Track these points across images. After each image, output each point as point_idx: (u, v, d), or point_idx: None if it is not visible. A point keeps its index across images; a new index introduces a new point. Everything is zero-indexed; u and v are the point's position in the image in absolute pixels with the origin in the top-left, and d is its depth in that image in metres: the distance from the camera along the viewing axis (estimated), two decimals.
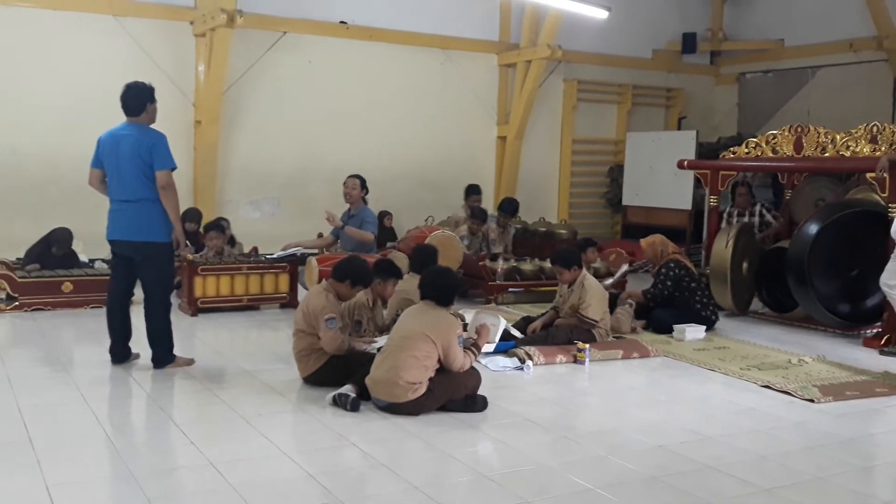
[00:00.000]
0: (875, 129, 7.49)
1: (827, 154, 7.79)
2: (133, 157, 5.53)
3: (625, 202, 13.05)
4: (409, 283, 6.03)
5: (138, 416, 5.05)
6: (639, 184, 12.69)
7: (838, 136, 7.70)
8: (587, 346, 6.33)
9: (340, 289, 5.44)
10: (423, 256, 6.54)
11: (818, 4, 12.63)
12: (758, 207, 9.29)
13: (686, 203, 11.79)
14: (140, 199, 5.58)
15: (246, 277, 8.01)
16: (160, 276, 5.78)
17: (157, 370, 5.77)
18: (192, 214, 9.14)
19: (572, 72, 13.11)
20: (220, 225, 8.57)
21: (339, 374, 5.17)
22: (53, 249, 8.21)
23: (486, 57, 12.45)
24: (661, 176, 11.98)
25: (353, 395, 4.91)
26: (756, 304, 8.70)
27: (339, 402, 4.91)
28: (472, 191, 10.21)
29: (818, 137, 7.89)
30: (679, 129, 13.65)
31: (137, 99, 5.64)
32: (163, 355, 5.80)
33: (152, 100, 5.70)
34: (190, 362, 5.91)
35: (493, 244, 9.51)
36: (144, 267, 5.72)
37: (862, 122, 7.69)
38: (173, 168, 5.62)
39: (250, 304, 8.09)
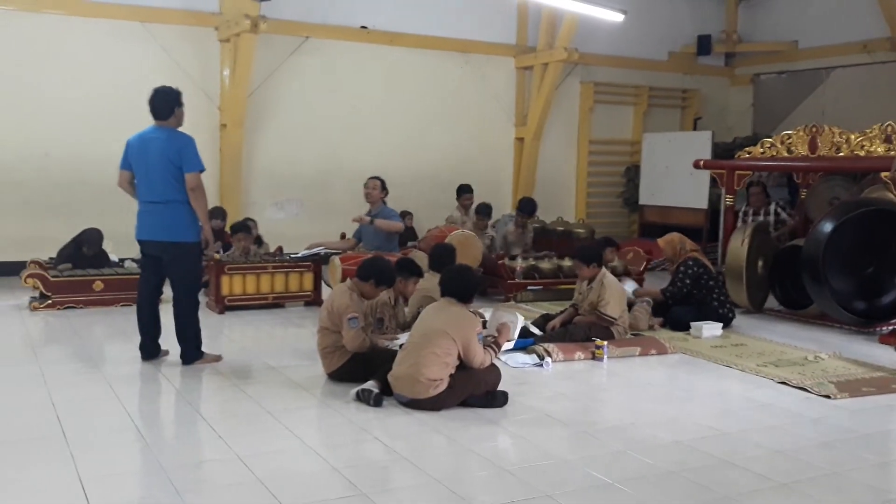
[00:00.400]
0: (889, 128, 7.53)
1: (841, 154, 7.84)
2: (162, 160, 5.66)
3: (641, 202, 13.11)
4: (430, 282, 6.15)
5: (167, 410, 5.19)
6: (655, 183, 12.75)
7: (853, 136, 7.75)
8: (605, 342, 6.43)
9: (365, 288, 5.56)
10: (441, 255, 6.65)
11: (832, 6, 12.65)
12: (772, 206, 9.33)
13: (702, 202, 11.85)
14: (168, 200, 5.71)
15: (271, 276, 8.16)
16: (188, 275, 5.92)
17: (185, 366, 5.91)
18: (218, 212, 9.33)
19: (589, 74, 13.19)
20: (247, 225, 8.74)
21: (363, 370, 5.28)
22: (84, 249, 8.39)
23: (504, 60, 12.56)
24: (677, 176, 12.05)
25: (376, 390, 5.02)
26: (772, 302, 8.76)
27: (363, 398, 5.02)
28: (464, 190, 10.33)
29: (833, 137, 7.94)
30: (695, 129, 13.71)
31: (165, 103, 5.77)
32: (191, 352, 5.94)
33: (180, 104, 5.84)
34: (217, 359, 6.04)
35: (512, 245, 9.60)
36: (173, 266, 5.86)
37: (876, 122, 7.73)
38: (202, 170, 5.76)
39: (276, 302, 8.25)
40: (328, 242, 8.66)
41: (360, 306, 5.49)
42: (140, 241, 5.92)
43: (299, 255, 8.38)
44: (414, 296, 6.21)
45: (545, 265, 9.01)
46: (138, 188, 5.84)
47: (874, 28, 11.74)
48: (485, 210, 9.71)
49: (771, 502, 3.82)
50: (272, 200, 11.07)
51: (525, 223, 9.82)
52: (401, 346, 5.29)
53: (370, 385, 5.06)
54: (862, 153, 7.68)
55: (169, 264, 5.87)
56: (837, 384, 5.76)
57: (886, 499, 3.92)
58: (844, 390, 5.63)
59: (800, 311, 8.43)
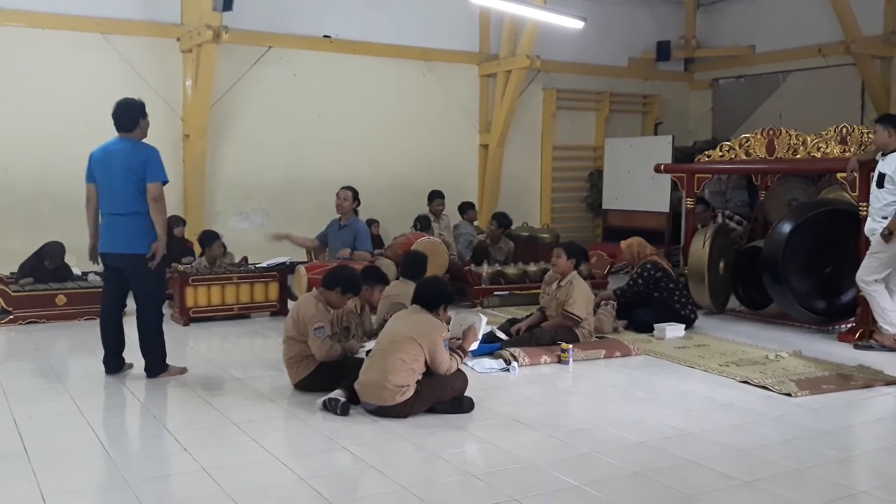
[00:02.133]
0: (844, 130, 7.69)
1: (798, 156, 7.99)
2: (125, 171, 5.62)
3: (605, 206, 13.25)
4: (399, 288, 6.17)
5: (132, 424, 5.13)
6: (618, 188, 12.90)
7: (809, 139, 7.91)
8: (570, 346, 6.49)
9: (331, 297, 5.56)
10: (412, 262, 6.69)
11: (787, 11, 12.90)
12: (719, 219, 9.45)
13: (664, 206, 12.00)
14: (130, 212, 5.66)
15: (236, 287, 8.12)
16: (152, 288, 5.87)
17: (150, 379, 5.86)
18: (178, 220, 9.29)
19: (551, 81, 13.31)
20: (217, 234, 8.66)
21: (329, 379, 5.28)
22: (46, 263, 8.29)
23: (467, 67, 12.64)
24: (639, 180, 12.20)
25: (343, 399, 5.02)
26: (734, 302, 8.90)
27: (329, 407, 5.02)
28: (435, 195, 10.37)
29: (790, 140, 8.09)
30: (655, 134, 13.88)
31: (129, 114, 5.73)
32: (155, 365, 5.89)
33: (144, 115, 5.80)
34: (182, 371, 6.00)
35: (493, 256, 9.66)
36: (136, 279, 5.81)
37: (832, 124, 7.89)
38: (165, 181, 5.72)
39: (241, 313, 8.20)
40: (292, 235, 8.61)
41: (327, 316, 5.48)
42: (102, 254, 5.86)
43: (265, 265, 8.35)
44: (383, 302, 6.23)
45: (511, 270, 9.08)
46: (101, 200, 5.79)
47: (828, 32, 11.98)
48: (503, 220, 9.82)
49: (735, 500, 3.88)
50: (237, 210, 11.02)
51: (498, 236, 9.87)
52: (368, 352, 5.30)
53: (337, 394, 5.06)
54: (818, 155, 7.83)
55: (132, 277, 5.81)
56: (798, 382, 5.86)
57: (848, 493, 4.00)
58: (805, 388, 5.73)
59: (761, 311, 8.58)
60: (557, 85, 13.37)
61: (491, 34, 12.64)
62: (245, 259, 8.74)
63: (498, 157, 12.68)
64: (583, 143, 13.87)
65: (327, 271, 5.75)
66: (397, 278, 7.63)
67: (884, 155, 6.91)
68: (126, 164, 5.62)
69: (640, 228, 10.97)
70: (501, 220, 9.92)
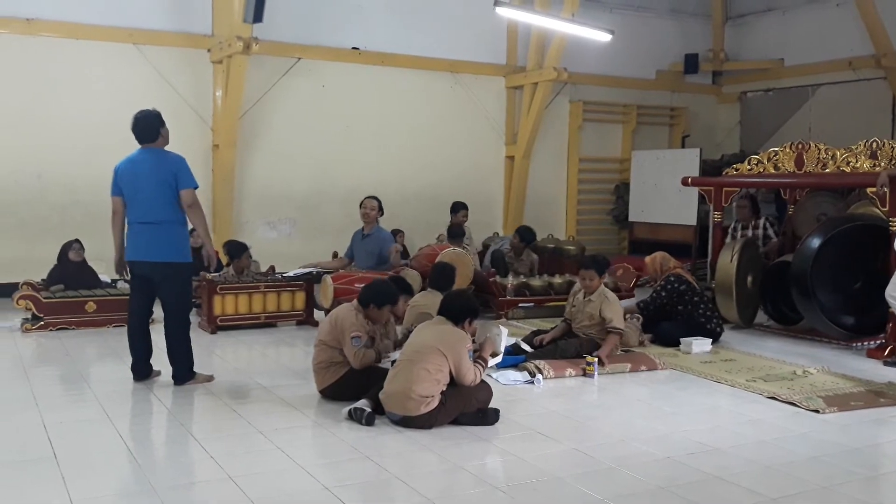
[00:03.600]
0: (875, 145, 7.62)
1: (828, 170, 7.93)
2: (154, 181, 5.70)
3: (631, 218, 13.20)
4: (426, 299, 6.21)
5: (159, 431, 5.19)
6: (644, 201, 12.85)
7: (839, 153, 7.84)
8: (595, 359, 6.46)
9: (369, 314, 5.59)
10: (441, 274, 6.71)
11: (817, 24, 12.82)
12: (762, 221, 9.39)
13: (691, 219, 11.94)
14: (160, 221, 5.73)
15: (263, 296, 8.18)
16: (180, 296, 5.94)
17: (177, 387, 5.92)
18: None
19: (578, 93, 13.31)
20: (247, 246, 8.74)
21: (355, 388, 5.31)
22: (71, 255, 8.40)
23: (494, 79, 12.67)
24: (665, 193, 12.15)
25: (368, 409, 5.04)
26: (761, 317, 8.82)
27: (355, 417, 5.04)
28: (459, 207, 10.38)
29: (819, 154, 8.03)
30: (683, 147, 13.82)
31: (149, 126, 5.81)
32: (182, 372, 5.95)
33: (162, 123, 5.87)
34: (209, 379, 6.05)
35: (516, 270, 9.64)
36: (164, 287, 5.87)
37: (862, 138, 7.82)
38: (196, 187, 5.80)
39: (268, 322, 8.26)
40: (321, 263, 8.70)
41: (365, 326, 5.52)
42: (130, 262, 5.93)
43: (291, 274, 8.41)
44: (409, 312, 6.26)
45: (536, 282, 9.07)
46: (129, 210, 5.86)
47: (859, 45, 11.89)
48: (527, 235, 9.81)
49: None
50: (265, 220, 11.11)
51: (521, 249, 9.85)
52: (393, 362, 5.32)
53: (362, 404, 5.08)
54: (848, 169, 7.77)
55: (160, 285, 5.88)
56: (826, 398, 5.80)
57: None
58: (833, 405, 5.67)
59: (789, 327, 8.49)
60: (584, 97, 13.37)
61: (518, 46, 12.67)
62: (272, 268, 8.81)
63: (524, 169, 12.69)
64: (609, 155, 13.84)
65: (360, 291, 5.77)
66: (423, 289, 7.67)
67: None
68: (156, 174, 5.70)
69: (667, 241, 10.93)
70: (525, 234, 9.90)
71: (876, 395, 5.96)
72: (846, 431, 5.17)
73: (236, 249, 8.57)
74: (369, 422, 5.00)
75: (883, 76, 11.70)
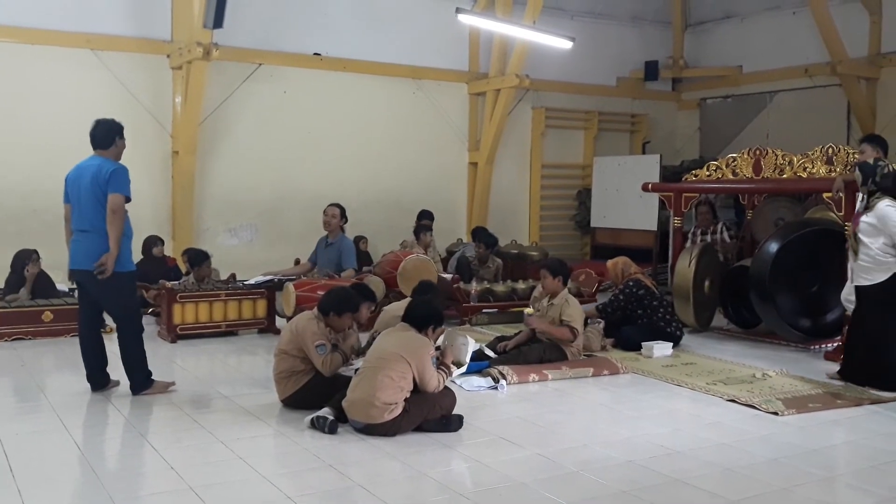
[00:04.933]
0: (830, 150, 7.76)
1: (785, 175, 8.06)
2: (92, 187, 5.60)
3: (593, 224, 13.30)
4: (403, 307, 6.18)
5: (118, 442, 5.10)
6: (606, 206, 12.96)
7: (795, 158, 7.97)
8: (532, 310, 6.63)
9: (330, 322, 5.55)
10: (424, 290, 6.61)
11: (774, 32, 13.04)
12: (720, 226, 9.55)
13: (652, 224, 12.06)
14: (96, 228, 5.61)
15: (224, 304, 8.09)
16: (124, 305, 5.81)
17: (136, 396, 5.82)
18: (157, 240, 9.31)
19: (540, 99, 13.39)
20: (207, 254, 8.64)
21: (317, 396, 5.28)
22: (26, 271, 8.23)
23: (456, 86, 12.70)
24: (627, 198, 12.26)
25: (331, 417, 5.01)
26: (721, 321, 8.94)
27: (318, 425, 5.01)
28: (424, 216, 10.37)
29: (776, 159, 8.16)
30: (643, 153, 13.96)
31: (106, 133, 5.74)
32: (139, 381, 5.84)
33: (121, 136, 5.80)
34: (169, 385, 5.95)
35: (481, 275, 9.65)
36: (102, 297, 5.75)
37: (818, 144, 7.96)
38: (127, 197, 5.65)
39: (229, 330, 8.17)
40: (283, 271, 8.64)
41: (326, 333, 5.49)
42: (71, 271, 5.83)
43: (252, 282, 8.33)
44: (382, 318, 6.24)
45: (500, 288, 9.09)
46: (72, 217, 5.78)
47: (814, 53, 12.11)
48: (486, 238, 9.81)
49: None
50: (226, 227, 11.00)
51: (486, 256, 9.87)
52: (356, 370, 5.29)
53: (325, 412, 5.05)
54: (804, 175, 7.90)
55: (97, 295, 5.76)
56: (785, 401, 5.89)
57: None
58: (791, 407, 5.76)
59: (748, 330, 8.61)
60: (546, 104, 13.45)
61: (480, 53, 12.72)
62: (233, 276, 8.72)
63: (487, 175, 12.73)
64: (571, 161, 13.94)
65: (320, 299, 5.73)
66: (387, 296, 7.66)
67: None
68: (93, 182, 5.60)
69: (628, 247, 11.03)
70: (486, 239, 9.93)
71: (833, 397, 6.07)
72: (804, 433, 5.26)
73: (197, 258, 8.47)
74: (332, 430, 4.97)
75: (838, 83, 11.93)
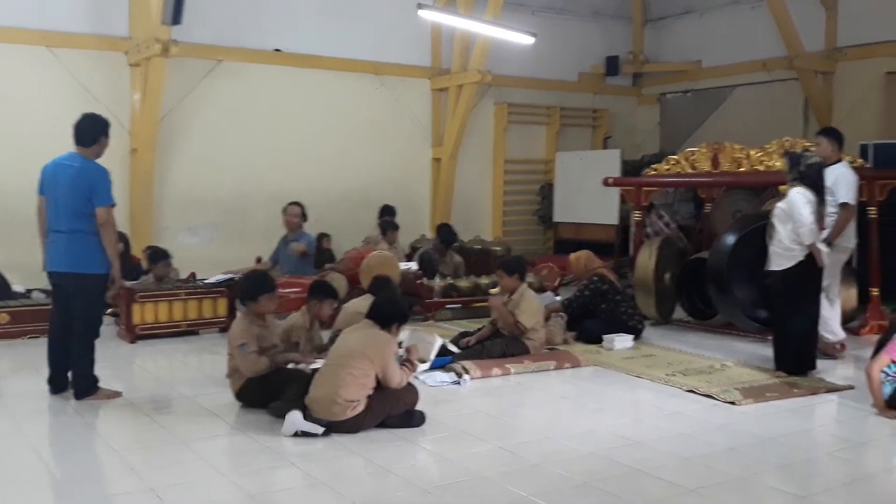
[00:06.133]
0: (787, 144, 7.90)
1: (742, 169, 8.19)
2: (72, 189, 5.53)
3: (556, 219, 13.39)
4: (365, 303, 6.16)
5: (78, 444, 5.02)
6: (568, 201, 13.06)
7: (752, 152, 8.10)
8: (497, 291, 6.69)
9: (254, 307, 5.51)
10: (379, 285, 6.59)
11: (732, 27, 13.22)
12: (653, 215, 9.59)
13: (613, 218, 12.17)
14: (73, 230, 5.55)
15: (184, 303, 7.99)
16: (88, 308, 5.72)
17: (82, 401, 5.67)
18: (120, 236, 9.13)
19: (502, 95, 13.43)
20: (167, 253, 8.55)
21: (258, 392, 5.31)
22: None
23: (419, 82, 12.70)
24: (589, 193, 12.35)
25: (319, 432, 4.84)
26: (680, 313, 9.06)
27: (306, 435, 4.88)
28: (386, 212, 10.37)
29: (734, 153, 8.28)
30: (605, 148, 14.08)
31: (93, 129, 5.67)
32: (83, 387, 5.69)
33: (106, 134, 5.73)
34: (115, 395, 5.79)
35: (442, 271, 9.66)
36: (75, 298, 5.67)
37: (776, 137, 8.10)
38: (113, 204, 5.62)
39: (189, 330, 8.07)
40: (244, 270, 8.56)
41: (251, 331, 5.43)
42: (48, 273, 5.75)
43: (213, 280, 8.26)
44: (344, 315, 6.22)
45: (463, 283, 9.12)
46: (47, 215, 5.70)
47: (773, 48, 12.27)
48: (447, 237, 9.80)
49: None
50: (186, 225, 10.89)
51: (444, 252, 9.88)
52: (314, 371, 5.27)
53: (310, 427, 4.88)
54: (762, 168, 8.02)
55: (72, 296, 5.68)
56: (742, 391, 5.99)
57: (791, 499, 4.11)
58: (749, 396, 5.86)
59: (707, 321, 8.74)
60: (509, 99, 13.50)
61: (443, 49, 12.72)
62: (193, 275, 8.64)
63: (450, 171, 12.76)
64: (534, 156, 14.02)
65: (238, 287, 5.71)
66: (350, 292, 7.64)
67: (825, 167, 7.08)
68: (73, 182, 5.53)
69: (591, 241, 11.13)
70: (444, 235, 9.95)
71: (790, 387, 6.18)
72: (761, 422, 5.36)
73: (155, 256, 8.38)
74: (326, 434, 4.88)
75: (795, 77, 12.12)
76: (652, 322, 8.65)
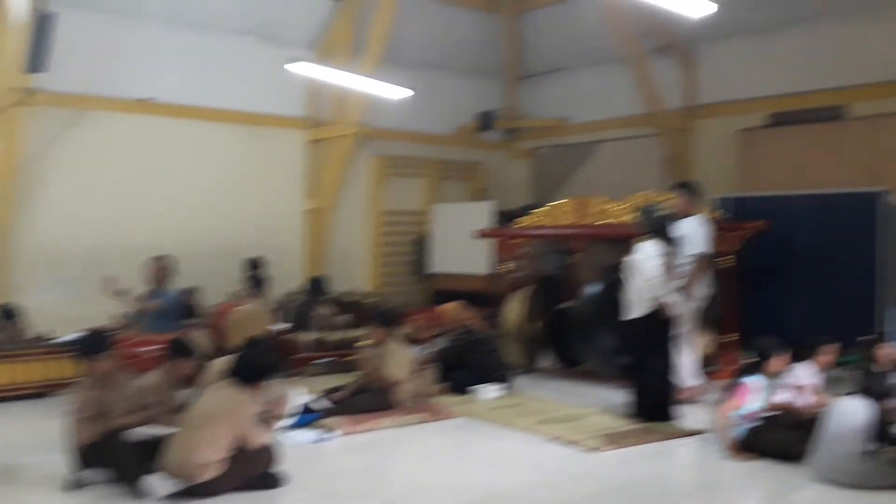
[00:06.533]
0: (643, 198, 8.30)
1: (602, 221, 8.51)
2: None
3: (433, 269, 13.49)
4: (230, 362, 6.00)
5: None
6: (444, 252, 13.20)
7: (611, 206, 8.46)
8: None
9: (93, 368, 5.30)
10: (252, 345, 6.43)
11: (598, 85, 13.81)
12: None
13: (485, 269, 12.34)
14: None
15: (36, 363, 7.55)
16: None
17: None
18: None
19: (380, 148, 13.52)
20: (10, 311, 8.10)
21: (99, 456, 5.05)
22: None
23: (294, 133, 12.64)
24: (463, 244, 12.46)
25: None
26: (549, 361, 9.22)
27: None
28: (254, 265, 10.26)
29: (594, 206, 8.62)
30: (480, 200, 14.33)
31: None
32: None
33: None
34: None
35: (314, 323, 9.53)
36: None
37: (638, 191, 8.48)
38: None
39: (40, 392, 7.58)
40: (105, 326, 8.21)
41: (89, 394, 5.21)
42: None
43: (68, 339, 7.85)
44: (208, 374, 6.03)
45: (333, 337, 9.02)
46: None
47: (635, 105, 12.88)
48: (256, 284, 9.64)
49: None
50: (44, 280, 10.34)
51: (313, 303, 9.77)
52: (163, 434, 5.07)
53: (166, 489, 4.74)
54: (621, 221, 8.36)
55: None
56: (603, 437, 6.16)
57: None
58: (610, 443, 6.03)
59: (574, 369, 8.94)
60: (386, 152, 13.61)
61: (319, 100, 12.73)
62: (47, 333, 8.19)
63: (327, 223, 12.70)
64: (411, 208, 14.13)
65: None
66: (218, 347, 7.43)
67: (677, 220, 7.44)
68: None
69: (465, 291, 11.20)
70: (314, 286, 9.88)
71: (647, 432, 6.40)
72: (621, 468, 5.55)
73: (5, 315, 7.95)
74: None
75: (655, 133, 12.75)
76: (521, 370, 8.77)
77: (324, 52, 12.30)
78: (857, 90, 10.46)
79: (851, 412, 5.20)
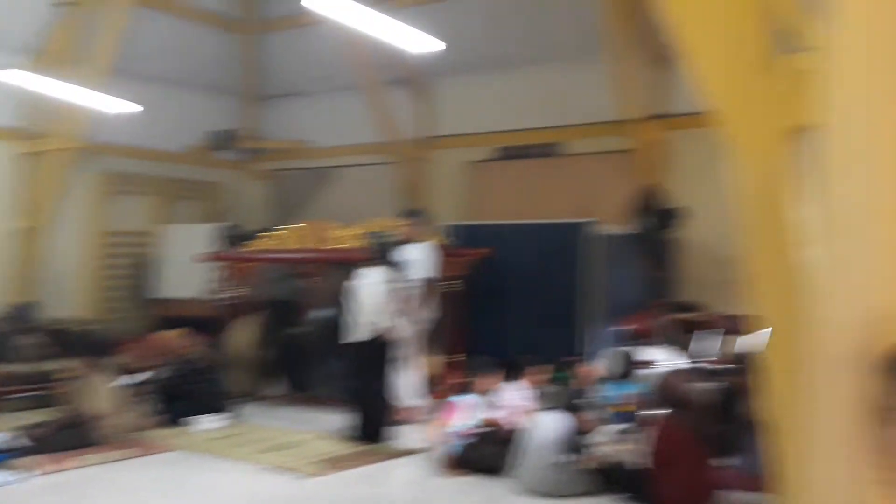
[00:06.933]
0: (374, 224, 8.48)
1: (333, 246, 8.57)
2: None
3: (160, 294, 12.77)
4: None
5: None
6: (172, 276, 12.54)
7: (341, 231, 8.56)
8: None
9: None
10: None
11: (337, 112, 13.91)
12: None
13: (215, 294, 11.88)
14: None
15: None
16: None
17: None
18: None
19: (106, 164, 12.64)
20: None
21: None
22: None
23: (5, 145, 11.50)
24: (191, 268, 11.96)
25: None
26: (278, 388, 9.06)
27: None
28: None
29: (329, 231, 8.67)
30: (213, 222, 13.84)
31: None
32: None
33: None
34: None
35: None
36: None
37: (376, 216, 8.65)
38: None
39: None
40: None
41: None
42: None
43: None
44: None
45: (26, 369, 8.22)
46: None
47: (373, 133, 13.14)
48: None
49: None
50: None
51: (19, 331, 8.92)
52: None
53: None
54: (350, 246, 8.47)
55: None
56: (324, 462, 6.17)
57: None
58: (330, 467, 6.06)
59: (303, 395, 8.85)
60: (113, 168, 12.76)
61: (37, 111, 11.67)
62: None
63: (39, 243, 11.63)
64: (138, 228, 13.32)
65: None
66: None
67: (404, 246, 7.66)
68: None
69: (194, 317, 10.73)
70: (17, 312, 9.07)
71: (367, 454, 6.49)
72: (340, 491, 5.61)
73: None
74: None
75: (393, 161, 13.07)
76: (248, 398, 8.52)
77: (43, 60, 11.32)
78: (571, 129, 11.40)
79: (550, 426, 5.60)
